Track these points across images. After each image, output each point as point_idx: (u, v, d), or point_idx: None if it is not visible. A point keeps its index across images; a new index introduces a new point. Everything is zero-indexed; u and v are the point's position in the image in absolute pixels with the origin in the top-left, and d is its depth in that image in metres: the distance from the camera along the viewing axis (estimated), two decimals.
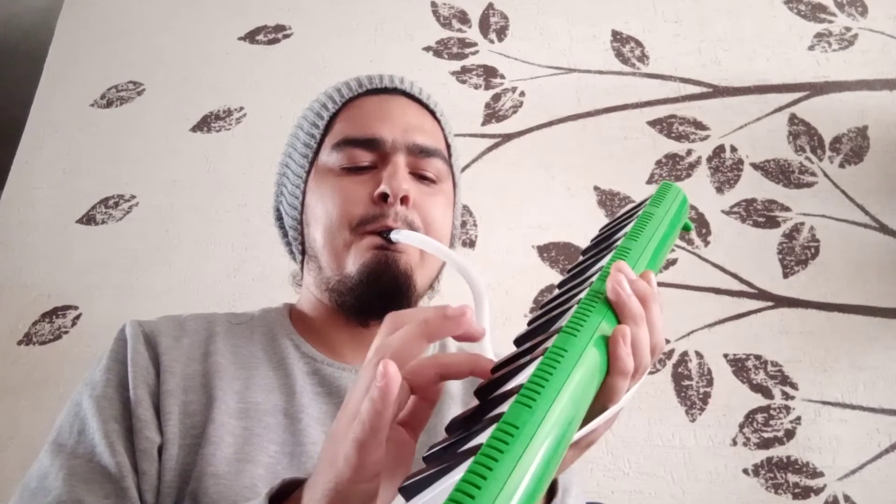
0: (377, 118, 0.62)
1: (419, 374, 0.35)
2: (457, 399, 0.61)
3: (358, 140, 0.60)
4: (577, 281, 0.40)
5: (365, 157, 0.60)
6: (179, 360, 0.56)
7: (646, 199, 0.47)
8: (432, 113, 0.67)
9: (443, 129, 0.67)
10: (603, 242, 0.44)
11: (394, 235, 0.56)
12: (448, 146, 0.68)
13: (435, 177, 0.62)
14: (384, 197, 0.57)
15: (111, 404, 0.52)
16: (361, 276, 0.57)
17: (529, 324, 0.38)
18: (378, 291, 0.57)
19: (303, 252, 0.66)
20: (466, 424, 0.31)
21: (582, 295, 0.36)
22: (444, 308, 0.36)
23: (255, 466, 0.50)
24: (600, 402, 0.33)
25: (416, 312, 0.37)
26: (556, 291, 0.41)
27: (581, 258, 0.44)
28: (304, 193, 0.64)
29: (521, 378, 0.31)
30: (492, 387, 0.33)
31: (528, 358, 0.32)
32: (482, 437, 0.28)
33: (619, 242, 0.41)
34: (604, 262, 0.39)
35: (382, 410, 0.32)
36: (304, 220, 0.64)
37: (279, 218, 0.70)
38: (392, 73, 0.67)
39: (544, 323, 0.37)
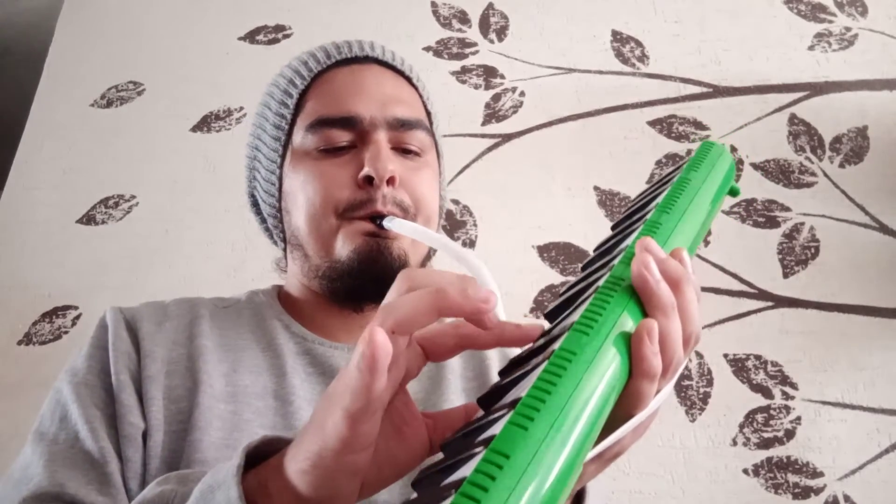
0: (351, 93, 0.57)
1: (437, 343, 0.32)
2: (456, 373, 0.58)
3: (333, 119, 0.56)
4: (600, 263, 0.34)
5: (342, 137, 0.56)
6: (162, 345, 0.53)
7: (683, 161, 0.40)
8: (409, 80, 0.62)
9: (421, 96, 0.63)
10: (634, 215, 0.38)
11: (386, 223, 0.53)
12: (429, 114, 0.63)
13: (419, 149, 0.59)
14: (369, 180, 0.54)
15: (93, 391, 0.50)
16: (353, 263, 0.54)
17: (546, 316, 0.33)
18: (372, 278, 0.54)
19: (284, 240, 0.63)
20: (463, 443, 0.26)
21: (601, 282, 0.30)
22: (467, 283, 0.32)
23: None
24: (624, 408, 0.29)
25: (434, 277, 0.33)
26: (579, 275, 0.34)
27: (610, 234, 0.38)
28: (280, 179, 0.60)
29: (523, 388, 0.26)
30: (497, 394, 0.29)
31: (536, 361, 0.27)
32: (471, 466, 0.23)
33: (649, 216, 0.35)
34: (629, 241, 0.33)
35: (371, 383, 0.28)
36: (284, 207, 0.60)
37: (255, 204, 0.67)
38: (361, 39, 0.63)
39: (560, 312, 0.32)
